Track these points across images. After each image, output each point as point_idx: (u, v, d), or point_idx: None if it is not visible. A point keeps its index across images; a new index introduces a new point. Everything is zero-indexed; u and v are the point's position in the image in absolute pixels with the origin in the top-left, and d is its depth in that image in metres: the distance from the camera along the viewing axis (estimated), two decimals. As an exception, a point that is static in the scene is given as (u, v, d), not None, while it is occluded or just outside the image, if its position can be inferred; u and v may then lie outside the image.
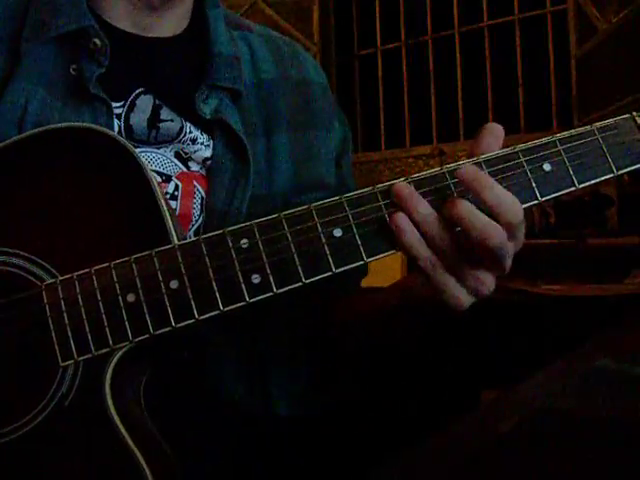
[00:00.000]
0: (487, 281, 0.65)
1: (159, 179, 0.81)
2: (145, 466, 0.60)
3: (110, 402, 0.61)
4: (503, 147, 0.73)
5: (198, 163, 0.85)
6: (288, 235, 0.62)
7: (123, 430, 0.61)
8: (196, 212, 0.83)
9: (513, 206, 0.63)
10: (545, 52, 5.07)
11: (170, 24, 0.87)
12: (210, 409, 0.84)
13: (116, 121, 0.80)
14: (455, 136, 5.21)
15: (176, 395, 0.79)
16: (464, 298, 0.65)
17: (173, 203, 0.80)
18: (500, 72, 5.20)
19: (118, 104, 0.81)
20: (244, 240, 0.61)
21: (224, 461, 0.83)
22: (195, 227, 0.83)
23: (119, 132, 0.80)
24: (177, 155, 0.83)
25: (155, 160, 0.81)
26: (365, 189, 0.63)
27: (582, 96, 4.57)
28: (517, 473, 0.45)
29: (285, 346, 0.91)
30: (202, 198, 0.83)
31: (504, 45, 5.20)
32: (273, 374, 0.87)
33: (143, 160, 0.66)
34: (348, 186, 0.85)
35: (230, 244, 0.61)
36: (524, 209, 0.66)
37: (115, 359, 0.61)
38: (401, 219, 0.62)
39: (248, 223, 0.61)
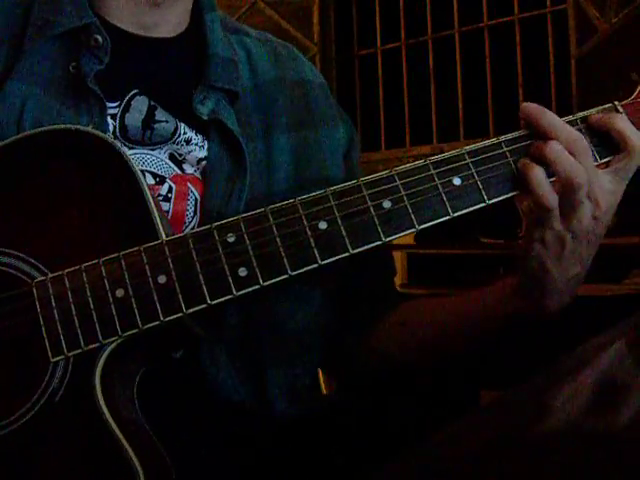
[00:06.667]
0: (580, 268, 0.89)
1: (153, 180, 0.82)
2: (136, 461, 0.60)
3: (101, 397, 0.61)
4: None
5: (192, 165, 0.85)
6: (274, 228, 0.62)
7: (114, 425, 0.61)
8: (189, 214, 0.83)
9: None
10: (545, 52, 5.06)
11: (171, 23, 0.89)
12: (207, 408, 0.84)
13: (111, 121, 0.81)
14: (455, 136, 5.19)
15: (172, 394, 0.79)
16: (555, 302, 0.82)
17: (166, 205, 0.80)
18: (500, 72, 5.18)
19: (114, 104, 0.82)
20: (230, 234, 0.61)
21: (221, 460, 0.83)
22: (188, 229, 0.83)
23: (114, 132, 0.81)
24: (171, 157, 0.84)
25: (149, 161, 0.82)
26: (350, 182, 0.64)
27: (582, 96, 4.56)
28: (517, 473, 0.44)
29: (285, 343, 0.91)
30: (196, 200, 0.83)
31: (504, 45, 5.19)
32: (270, 372, 0.87)
33: (131, 158, 0.66)
34: None
35: (217, 238, 0.62)
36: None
37: (105, 354, 0.62)
38: (536, 172, 0.77)
39: (235, 217, 0.62)
